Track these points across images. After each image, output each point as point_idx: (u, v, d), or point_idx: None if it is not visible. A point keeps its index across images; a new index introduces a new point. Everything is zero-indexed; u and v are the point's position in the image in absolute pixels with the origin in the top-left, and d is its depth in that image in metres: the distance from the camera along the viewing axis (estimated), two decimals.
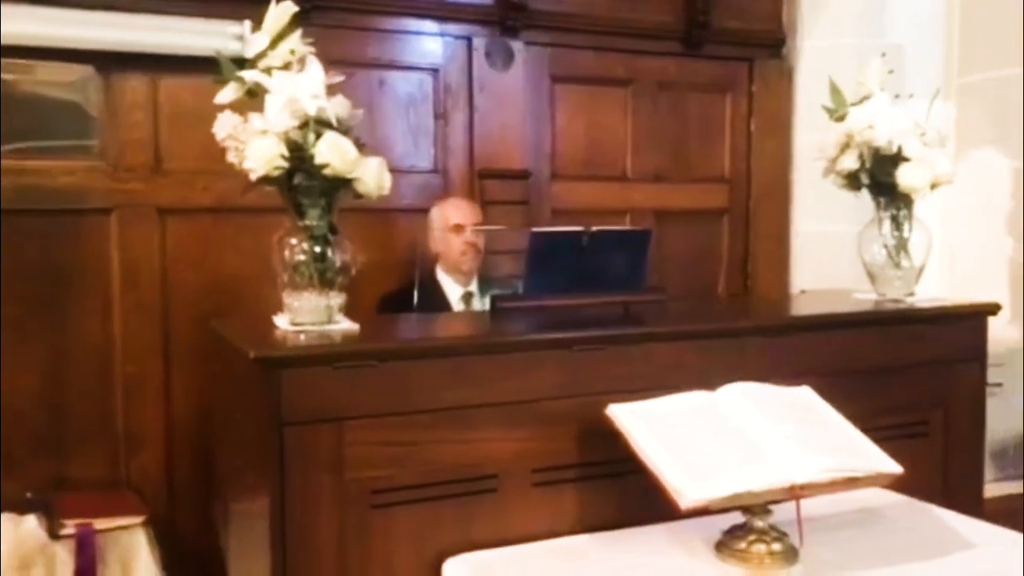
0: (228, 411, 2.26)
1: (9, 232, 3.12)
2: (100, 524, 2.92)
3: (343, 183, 1.97)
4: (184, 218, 3.37)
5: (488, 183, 3.83)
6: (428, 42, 3.74)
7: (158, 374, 3.33)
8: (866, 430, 1.98)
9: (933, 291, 2.75)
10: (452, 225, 3.40)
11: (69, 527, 2.88)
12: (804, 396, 2.05)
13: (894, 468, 1.86)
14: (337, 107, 1.99)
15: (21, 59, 3.12)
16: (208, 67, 3.10)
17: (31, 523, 2.89)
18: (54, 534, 2.87)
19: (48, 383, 3.20)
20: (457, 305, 3.42)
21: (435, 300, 3.34)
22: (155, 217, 3.32)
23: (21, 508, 2.94)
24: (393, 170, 2.09)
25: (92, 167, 3.26)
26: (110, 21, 3.15)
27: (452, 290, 3.43)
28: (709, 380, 2.04)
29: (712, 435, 1.85)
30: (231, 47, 3.20)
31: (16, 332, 3.14)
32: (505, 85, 3.86)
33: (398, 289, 3.37)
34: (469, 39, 3.79)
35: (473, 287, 3.45)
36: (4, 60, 3.08)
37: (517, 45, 3.86)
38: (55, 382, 3.21)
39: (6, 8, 3.02)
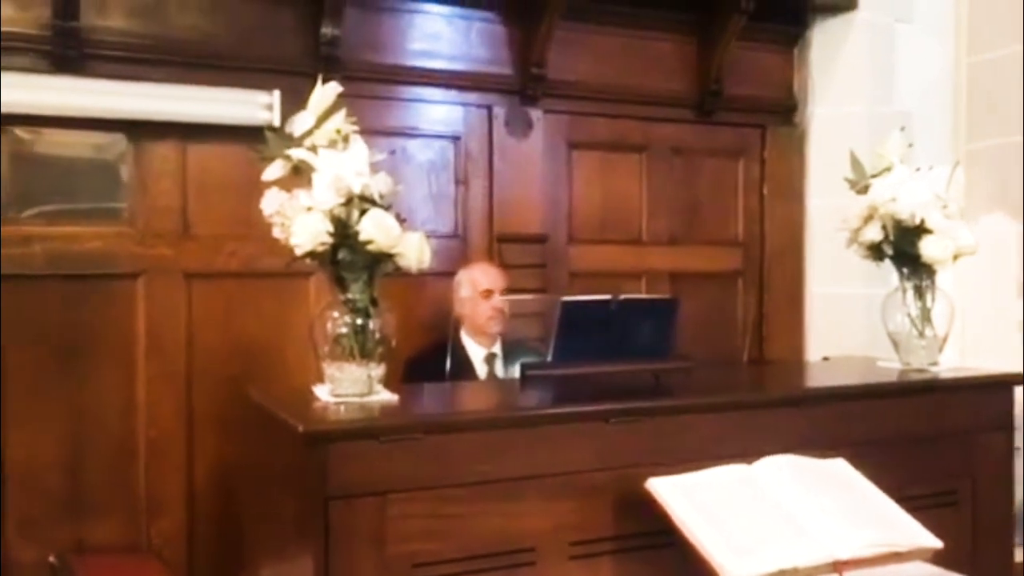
0: (263, 480, 2.26)
1: (35, 296, 3.15)
2: None
3: (386, 257, 2.02)
4: (210, 282, 3.41)
5: (507, 247, 3.88)
6: (450, 111, 3.82)
7: (181, 438, 3.34)
8: (897, 500, 2.01)
9: (946, 356, 2.78)
10: (482, 291, 3.44)
11: None
12: (840, 468, 2.07)
13: (934, 542, 1.88)
14: (380, 184, 2.03)
15: (56, 128, 3.19)
16: (235, 135, 3.25)
17: None
18: None
19: (70, 447, 3.20)
20: (480, 367, 3.45)
21: (459, 362, 3.36)
22: (182, 282, 3.36)
23: (45, 572, 2.93)
24: None
25: (120, 232, 3.30)
26: (142, 92, 3.23)
27: (475, 352, 3.46)
28: (744, 451, 2.06)
29: (753, 509, 1.87)
30: (260, 116, 3.31)
31: (39, 396, 3.15)
32: (524, 151, 3.93)
33: (425, 351, 3.39)
34: (489, 108, 3.87)
35: (496, 348, 3.49)
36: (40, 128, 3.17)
37: (536, 113, 3.94)
38: (77, 446, 3.21)
39: (40, 79, 3.11)
